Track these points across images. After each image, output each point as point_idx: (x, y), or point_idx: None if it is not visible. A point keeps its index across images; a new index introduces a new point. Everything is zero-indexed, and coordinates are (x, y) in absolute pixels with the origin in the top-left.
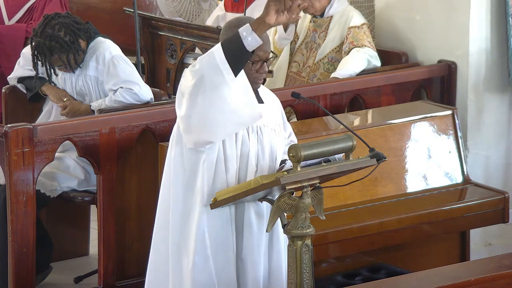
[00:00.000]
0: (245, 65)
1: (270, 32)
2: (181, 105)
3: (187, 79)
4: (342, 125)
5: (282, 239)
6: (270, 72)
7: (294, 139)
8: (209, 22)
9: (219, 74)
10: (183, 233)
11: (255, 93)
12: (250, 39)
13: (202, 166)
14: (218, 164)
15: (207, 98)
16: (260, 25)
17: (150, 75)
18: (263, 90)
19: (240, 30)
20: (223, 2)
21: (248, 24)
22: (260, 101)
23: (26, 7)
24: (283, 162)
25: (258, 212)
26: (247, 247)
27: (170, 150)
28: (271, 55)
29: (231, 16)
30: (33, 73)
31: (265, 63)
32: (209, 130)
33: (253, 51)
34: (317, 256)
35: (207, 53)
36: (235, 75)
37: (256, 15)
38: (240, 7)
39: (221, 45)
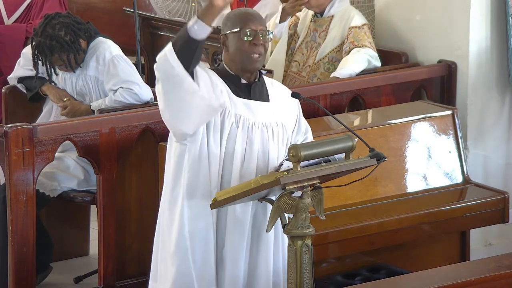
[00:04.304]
0: (237, 41)
1: (270, 24)
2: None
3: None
4: (342, 125)
5: (271, 239)
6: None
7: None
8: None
9: (170, 68)
10: (168, 223)
11: (253, 81)
12: (196, 28)
13: (187, 159)
14: (202, 159)
15: (169, 90)
16: (207, 11)
17: (150, 75)
18: (276, 87)
19: (189, 21)
20: None
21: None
22: (262, 98)
23: (25, 5)
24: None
25: (242, 209)
26: (228, 242)
27: (168, 144)
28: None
29: None
30: (33, 73)
31: (259, 36)
32: (180, 121)
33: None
34: (317, 256)
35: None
36: (188, 66)
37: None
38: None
39: (171, 40)
